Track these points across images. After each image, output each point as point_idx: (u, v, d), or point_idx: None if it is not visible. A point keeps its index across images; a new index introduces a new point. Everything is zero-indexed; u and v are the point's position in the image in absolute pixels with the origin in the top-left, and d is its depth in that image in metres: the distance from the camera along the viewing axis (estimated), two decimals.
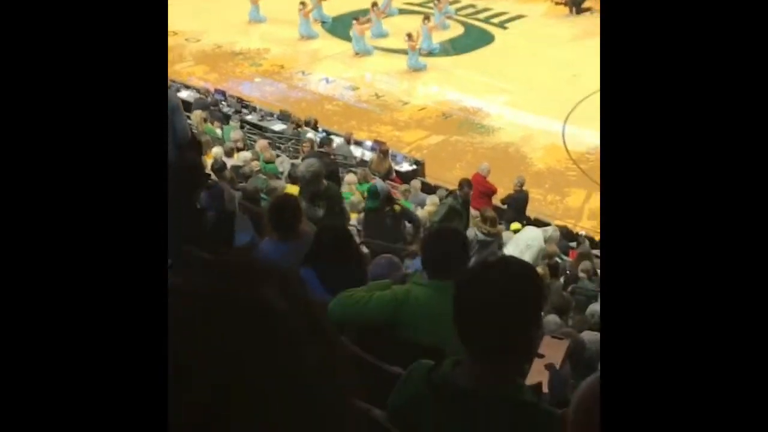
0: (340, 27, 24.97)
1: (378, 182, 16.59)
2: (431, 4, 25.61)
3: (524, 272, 2.92)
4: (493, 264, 3.01)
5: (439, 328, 3.92)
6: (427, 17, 24.29)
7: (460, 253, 4.43)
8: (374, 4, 24.80)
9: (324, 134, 18.56)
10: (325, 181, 8.68)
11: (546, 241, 13.35)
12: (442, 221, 12.79)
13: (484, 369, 2.86)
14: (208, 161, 13.14)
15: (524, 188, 16.13)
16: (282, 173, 14.49)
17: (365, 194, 13.09)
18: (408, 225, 12.21)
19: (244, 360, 1.21)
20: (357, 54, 23.78)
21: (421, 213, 14.84)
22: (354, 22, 23.87)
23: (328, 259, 5.21)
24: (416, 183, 16.08)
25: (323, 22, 25.09)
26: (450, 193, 13.80)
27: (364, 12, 24.55)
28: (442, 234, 4.74)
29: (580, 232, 15.62)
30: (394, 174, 17.25)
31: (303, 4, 24.49)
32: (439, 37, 24.32)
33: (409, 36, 22.96)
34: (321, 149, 16.94)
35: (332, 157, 16.68)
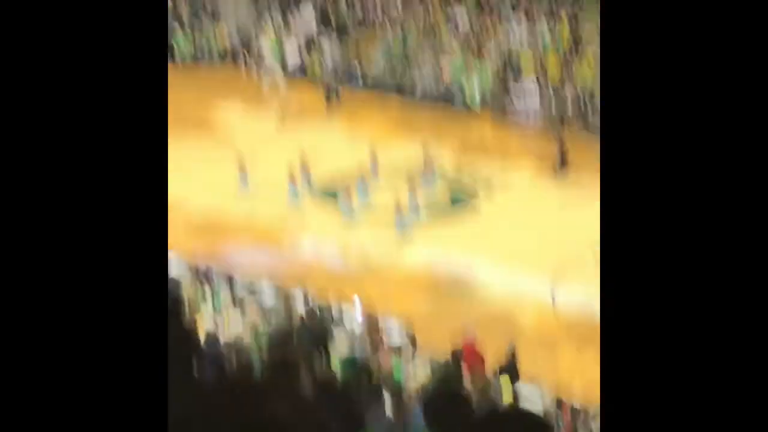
0: (328, 193, 25.24)
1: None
2: (417, 168, 25.89)
3: (540, 422, 2.89)
4: (505, 414, 2.98)
5: None
6: (412, 180, 24.59)
7: (463, 404, 4.41)
8: (361, 169, 25.07)
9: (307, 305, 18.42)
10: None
11: None
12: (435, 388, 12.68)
13: None
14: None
15: (515, 353, 16.10)
16: None
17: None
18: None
19: None
20: (345, 219, 23.97)
21: (412, 379, 14.79)
22: (340, 187, 24.08)
23: None
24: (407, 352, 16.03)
25: (311, 188, 25.33)
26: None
27: (352, 177, 24.78)
28: (441, 390, 4.79)
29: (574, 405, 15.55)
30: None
31: (291, 170, 24.74)
32: (426, 200, 24.56)
33: (397, 199, 23.19)
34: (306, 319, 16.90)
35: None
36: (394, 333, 18.07)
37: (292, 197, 24.82)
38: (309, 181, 25.49)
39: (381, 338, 16.68)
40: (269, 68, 34.10)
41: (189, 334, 6.98)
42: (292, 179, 24.83)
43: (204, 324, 15.12)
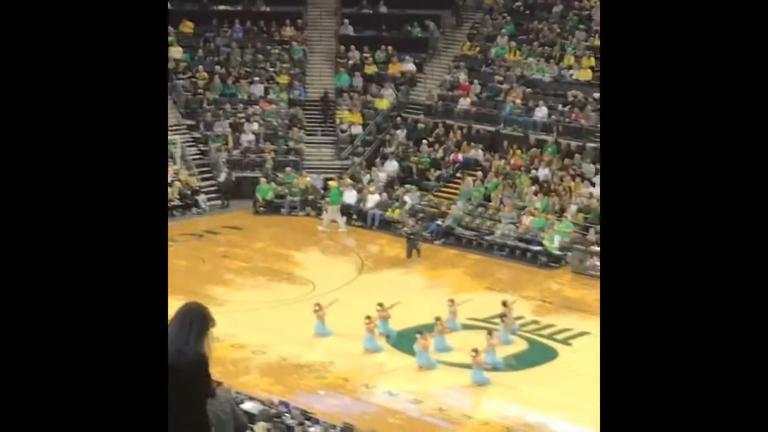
0: (404, 341, 25.18)
1: None
2: (496, 320, 25.83)
3: None
4: None
5: None
6: (490, 332, 24.47)
7: None
8: (438, 319, 25.11)
9: None
10: None
11: None
12: None
13: None
14: None
15: None
16: None
17: None
18: None
19: None
20: (421, 368, 23.84)
21: None
22: (418, 336, 24.10)
23: None
24: None
25: (388, 336, 25.34)
26: None
27: (429, 327, 24.81)
28: None
29: None
30: None
31: (369, 318, 24.88)
32: (503, 353, 24.37)
33: (475, 351, 23.08)
34: None
35: None
36: None
37: (369, 343, 24.77)
38: (386, 329, 25.46)
39: None
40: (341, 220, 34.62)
41: None
42: (369, 326, 24.84)
43: None
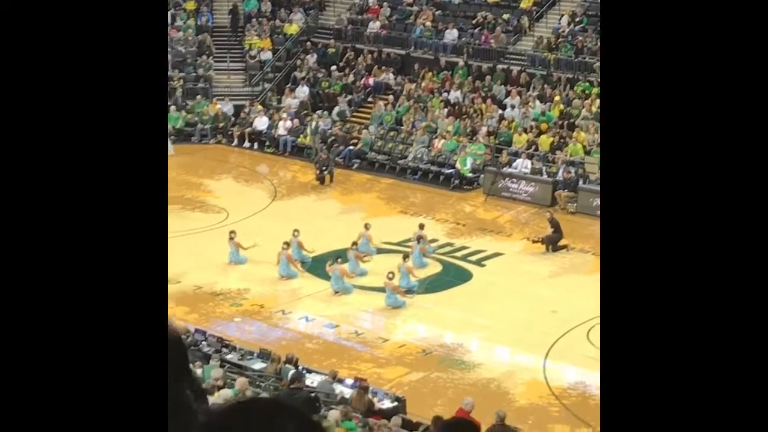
0: (320, 266, 25.25)
1: None
2: (409, 243, 25.99)
3: None
4: None
5: None
6: (406, 256, 24.63)
7: None
8: (354, 244, 25.18)
9: (295, 370, 18.35)
10: None
11: None
12: None
13: None
14: None
15: (506, 423, 15.95)
16: None
17: None
18: None
19: None
20: (336, 293, 23.96)
21: None
22: (332, 262, 24.15)
23: None
24: (397, 420, 15.89)
25: (303, 262, 25.37)
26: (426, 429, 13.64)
27: (344, 252, 24.89)
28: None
29: None
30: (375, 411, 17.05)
31: (286, 243, 24.84)
32: (418, 275, 24.57)
33: (391, 274, 23.23)
34: (293, 386, 16.78)
35: (313, 393, 16.54)
36: (385, 401, 17.94)
37: (283, 270, 24.79)
38: (300, 255, 25.48)
39: (372, 405, 16.54)
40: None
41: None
42: (285, 253, 24.82)
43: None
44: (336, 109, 36.36)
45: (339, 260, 24.22)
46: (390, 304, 23.18)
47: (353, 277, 24.43)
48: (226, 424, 1.33)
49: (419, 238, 25.77)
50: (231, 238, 25.55)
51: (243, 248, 25.32)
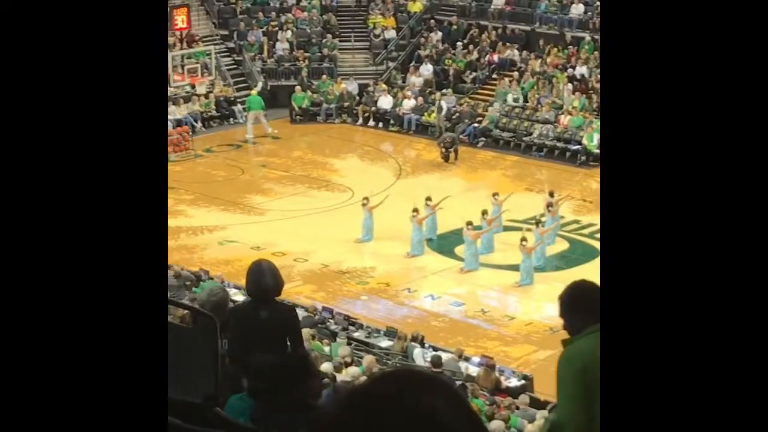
0: (446, 245, 25.26)
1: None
2: (543, 218, 25.68)
3: None
4: None
5: None
6: (538, 222, 24.47)
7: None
8: (484, 213, 24.98)
9: (434, 353, 18.45)
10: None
11: None
12: None
13: None
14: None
15: None
16: None
17: None
18: None
19: None
20: (463, 270, 23.94)
21: (530, 429, 14.56)
22: (467, 226, 23.98)
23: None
24: (524, 398, 15.83)
25: (429, 240, 25.41)
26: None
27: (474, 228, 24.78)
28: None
29: None
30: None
31: (416, 210, 24.86)
32: (546, 253, 24.38)
33: (522, 241, 23.06)
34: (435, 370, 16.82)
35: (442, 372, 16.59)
36: (512, 379, 17.89)
37: (416, 246, 24.83)
38: (432, 231, 25.50)
39: (498, 383, 16.51)
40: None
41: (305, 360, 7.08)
42: (417, 220, 24.83)
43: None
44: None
45: (470, 226, 24.08)
46: (524, 268, 22.96)
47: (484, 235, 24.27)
48: (378, 390, 1.33)
49: (549, 205, 25.60)
50: (364, 204, 25.71)
51: (373, 208, 25.38)
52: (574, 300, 5.02)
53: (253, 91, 35.55)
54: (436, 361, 17.34)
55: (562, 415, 4.86)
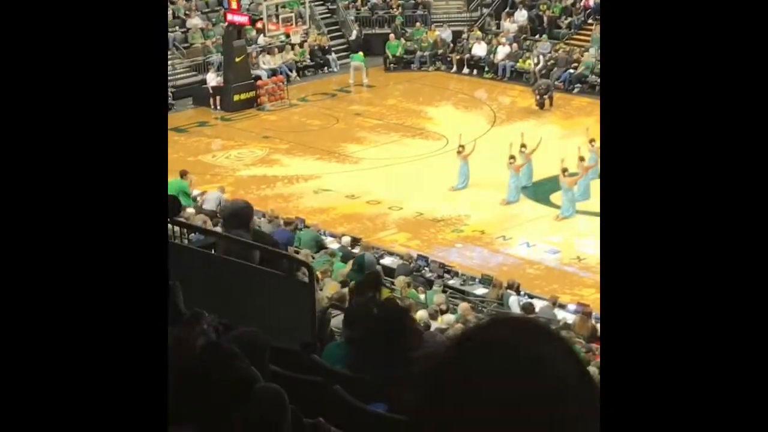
0: (540, 191, 25.12)
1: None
2: None
3: None
4: None
5: None
6: None
7: None
8: (581, 159, 24.77)
9: (526, 298, 18.50)
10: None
11: None
12: None
13: None
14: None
15: None
16: None
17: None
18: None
19: None
20: (559, 217, 23.81)
21: None
22: (562, 173, 23.86)
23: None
24: None
25: (524, 187, 25.30)
26: None
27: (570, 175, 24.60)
28: None
29: None
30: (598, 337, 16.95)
31: (512, 158, 24.80)
32: None
33: None
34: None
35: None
36: None
37: (513, 193, 24.76)
38: (528, 179, 25.39)
39: (595, 330, 16.45)
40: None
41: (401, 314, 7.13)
42: (515, 167, 24.75)
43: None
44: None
45: (567, 172, 23.94)
46: None
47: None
48: (491, 335, 1.35)
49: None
50: (459, 152, 25.69)
51: (467, 156, 25.39)
52: None
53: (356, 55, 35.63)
54: (528, 308, 17.36)
55: None
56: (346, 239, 20.92)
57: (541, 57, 34.20)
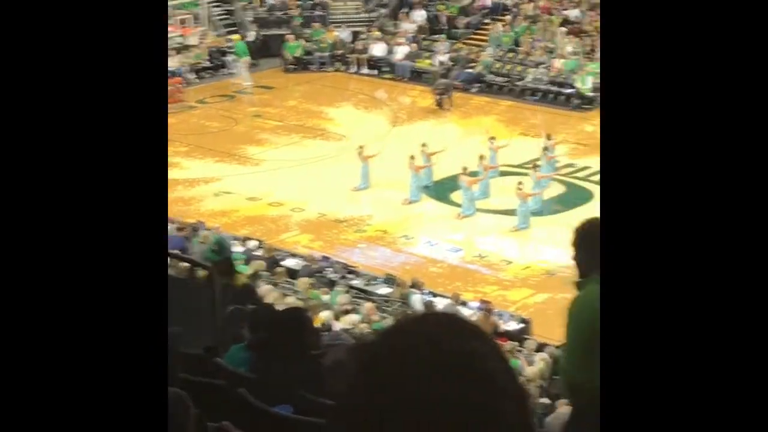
0: (442, 190, 25.29)
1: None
2: (528, 166, 25.72)
3: None
4: None
5: None
6: (535, 165, 24.55)
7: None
8: (481, 157, 25.02)
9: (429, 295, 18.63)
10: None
11: None
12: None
13: None
14: (317, 325, 13.25)
15: None
16: None
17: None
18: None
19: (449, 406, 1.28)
20: (460, 216, 24.00)
21: (531, 370, 14.69)
22: (462, 174, 24.07)
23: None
24: (531, 343, 16.07)
25: (426, 186, 25.44)
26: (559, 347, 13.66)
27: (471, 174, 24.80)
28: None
29: None
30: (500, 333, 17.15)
31: (413, 157, 24.92)
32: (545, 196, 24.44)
33: (519, 185, 23.15)
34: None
35: None
36: (510, 323, 18.01)
37: (414, 192, 24.88)
38: (428, 178, 25.53)
39: (497, 327, 16.64)
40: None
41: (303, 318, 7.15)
42: (415, 167, 24.88)
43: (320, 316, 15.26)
44: None
45: (467, 171, 24.17)
46: (522, 212, 23.04)
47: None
48: (418, 330, 1.37)
49: (546, 148, 25.66)
50: (360, 153, 25.75)
51: (369, 157, 25.46)
52: (584, 239, 4.73)
53: (235, 37, 35.47)
54: (430, 306, 17.49)
55: (565, 359, 4.85)
56: (253, 243, 20.97)
57: (439, 57, 34.42)
